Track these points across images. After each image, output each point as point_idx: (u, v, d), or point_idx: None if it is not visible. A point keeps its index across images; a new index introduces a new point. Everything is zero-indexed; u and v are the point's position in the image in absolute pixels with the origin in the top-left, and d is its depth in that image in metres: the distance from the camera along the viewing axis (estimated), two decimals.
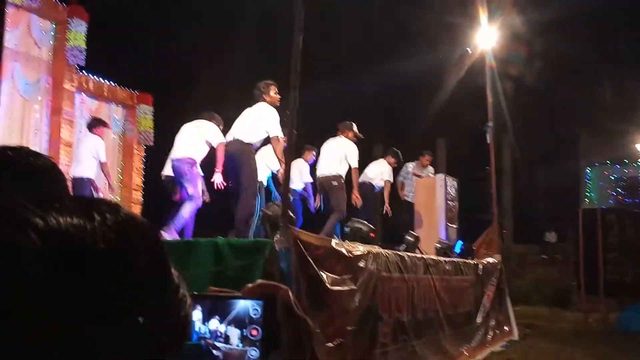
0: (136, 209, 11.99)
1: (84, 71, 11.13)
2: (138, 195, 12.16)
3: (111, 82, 11.85)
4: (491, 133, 10.54)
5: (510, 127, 19.44)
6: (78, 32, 10.57)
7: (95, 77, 11.51)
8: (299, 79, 4.89)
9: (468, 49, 10.94)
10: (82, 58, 10.66)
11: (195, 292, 0.71)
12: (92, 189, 8.44)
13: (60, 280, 0.40)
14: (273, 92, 6.95)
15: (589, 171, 23.34)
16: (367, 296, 5.34)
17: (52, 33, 10.57)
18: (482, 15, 10.40)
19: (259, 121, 6.77)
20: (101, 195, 8.69)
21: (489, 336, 8.71)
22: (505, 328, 9.61)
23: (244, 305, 0.63)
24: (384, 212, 10.20)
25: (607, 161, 22.87)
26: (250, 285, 0.80)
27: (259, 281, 0.81)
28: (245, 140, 6.69)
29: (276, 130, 6.72)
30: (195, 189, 6.47)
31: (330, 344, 4.65)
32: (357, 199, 8.59)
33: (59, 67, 10.51)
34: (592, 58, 21.45)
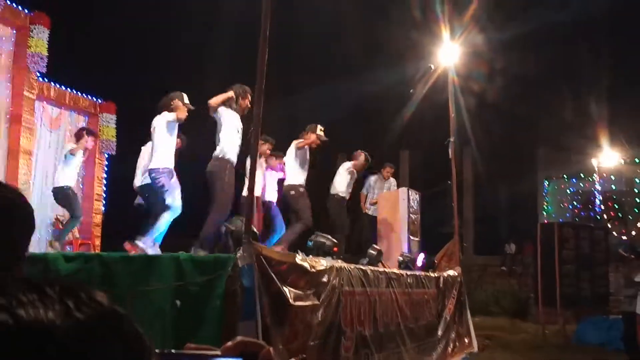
0: (97, 219, 11.80)
1: (45, 79, 10.94)
2: (99, 205, 11.97)
3: (73, 90, 11.66)
4: (453, 148, 10.73)
5: (471, 141, 19.83)
6: (40, 39, 10.39)
7: (56, 85, 11.31)
8: (262, 95, 4.88)
9: (431, 65, 11.13)
10: (43, 65, 10.48)
11: (172, 351, 0.70)
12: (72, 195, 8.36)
13: None
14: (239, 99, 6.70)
15: (546, 185, 23.93)
16: (330, 311, 5.37)
17: (13, 39, 10.38)
18: (445, 32, 10.61)
19: (217, 128, 6.65)
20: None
21: (449, 348, 8.83)
22: (465, 340, 9.75)
23: None
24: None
25: (564, 175, 23.49)
26: (230, 343, 0.80)
27: (239, 338, 0.82)
28: (214, 154, 6.60)
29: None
30: (175, 199, 6.36)
31: None
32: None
33: (20, 74, 10.31)
34: (551, 76, 22.08)
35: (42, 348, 0.40)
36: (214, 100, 6.61)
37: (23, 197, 1.28)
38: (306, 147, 8.41)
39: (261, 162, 8.35)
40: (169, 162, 6.47)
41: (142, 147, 7.66)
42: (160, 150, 6.46)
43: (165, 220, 6.26)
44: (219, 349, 0.69)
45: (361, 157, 9.68)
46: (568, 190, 23.91)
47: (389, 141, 20.04)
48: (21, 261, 1.21)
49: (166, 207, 6.29)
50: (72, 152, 8.13)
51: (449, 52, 10.86)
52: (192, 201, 6.80)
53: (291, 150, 8.46)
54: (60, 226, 10.65)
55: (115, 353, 0.45)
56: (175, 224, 6.58)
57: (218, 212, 6.25)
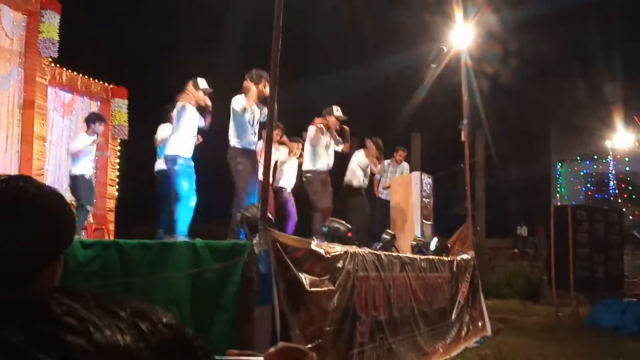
0: (111, 204, 11.87)
1: (57, 64, 10.94)
2: (113, 190, 12.02)
3: (85, 75, 11.66)
4: (465, 131, 10.65)
5: (484, 123, 19.70)
6: (51, 24, 10.38)
7: (69, 70, 11.32)
8: (276, 82, 4.86)
9: (443, 47, 11.00)
10: (54, 50, 10.48)
11: (217, 357, 0.70)
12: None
13: None
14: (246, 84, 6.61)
15: (559, 167, 23.77)
16: (345, 296, 5.38)
17: (24, 24, 10.37)
18: (458, 14, 10.48)
19: (231, 115, 6.60)
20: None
21: (463, 332, 8.84)
22: (479, 324, 9.76)
23: None
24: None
25: (577, 157, 23.32)
26: (272, 349, 0.79)
27: (281, 344, 0.81)
28: (230, 144, 6.57)
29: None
30: (186, 188, 6.33)
31: (309, 345, 4.69)
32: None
33: (31, 60, 10.32)
34: (563, 57, 21.85)
35: None
36: (247, 104, 6.51)
37: (50, 192, 1.09)
38: (322, 131, 8.29)
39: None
40: (184, 151, 6.41)
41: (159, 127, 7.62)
42: (176, 137, 6.43)
43: (179, 211, 6.23)
44: (261, 354, 0.70)
45: (372, 146, 9.65)
46: (581, 172, 23.75)
47: (401, 124, 19.97)
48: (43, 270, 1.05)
49: (176, 197, 6.27)
50: (76, 155, 7.92)
51: (461, 34, 10.73)
52: (217, 189, 6.80)
53: (307, 138, 8.39)
54: (76, 212, 10.71)
55: None
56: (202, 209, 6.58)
57: (236, 197, 6.29)
